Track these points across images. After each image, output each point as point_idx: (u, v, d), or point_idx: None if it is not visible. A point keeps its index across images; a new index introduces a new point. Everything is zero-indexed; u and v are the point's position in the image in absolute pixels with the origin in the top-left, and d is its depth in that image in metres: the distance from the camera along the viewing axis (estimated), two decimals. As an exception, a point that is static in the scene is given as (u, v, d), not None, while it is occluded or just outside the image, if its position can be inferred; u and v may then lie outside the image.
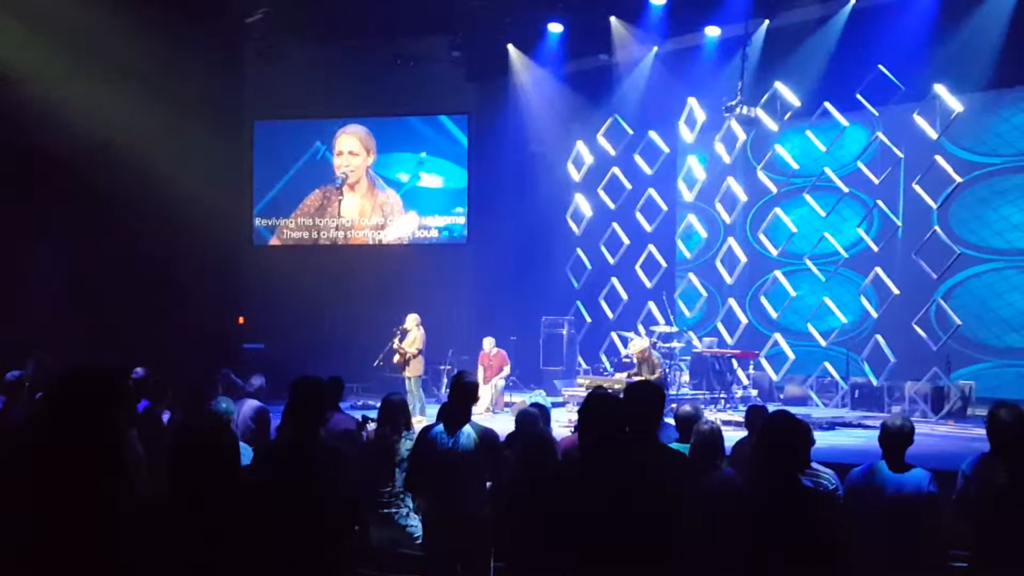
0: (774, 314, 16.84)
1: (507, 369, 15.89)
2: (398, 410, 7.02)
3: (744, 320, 17.30)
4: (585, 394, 5.16)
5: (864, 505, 5.29)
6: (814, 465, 5.88)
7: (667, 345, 15.25)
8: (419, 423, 8.50)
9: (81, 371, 3.52)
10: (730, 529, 3.92)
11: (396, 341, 14.27)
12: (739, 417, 11.28)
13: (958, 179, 14.73)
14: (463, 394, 5.95)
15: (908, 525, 5.21)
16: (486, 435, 5.82)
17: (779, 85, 16.03)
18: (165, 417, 7.95)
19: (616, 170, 18.40)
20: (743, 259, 17.40)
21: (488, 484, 5.97)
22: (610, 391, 4.80)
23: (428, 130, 20.00)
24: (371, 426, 7.34)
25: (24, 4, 14.15)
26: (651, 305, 17.47)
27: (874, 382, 15.12)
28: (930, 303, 14.98)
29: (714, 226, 18.41)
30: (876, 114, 15.48)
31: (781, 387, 16.47)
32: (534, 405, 7.20)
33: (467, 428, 5.79)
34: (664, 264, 17.97)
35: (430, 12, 17.60)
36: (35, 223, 15.57)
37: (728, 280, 17.64)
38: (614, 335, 17.75)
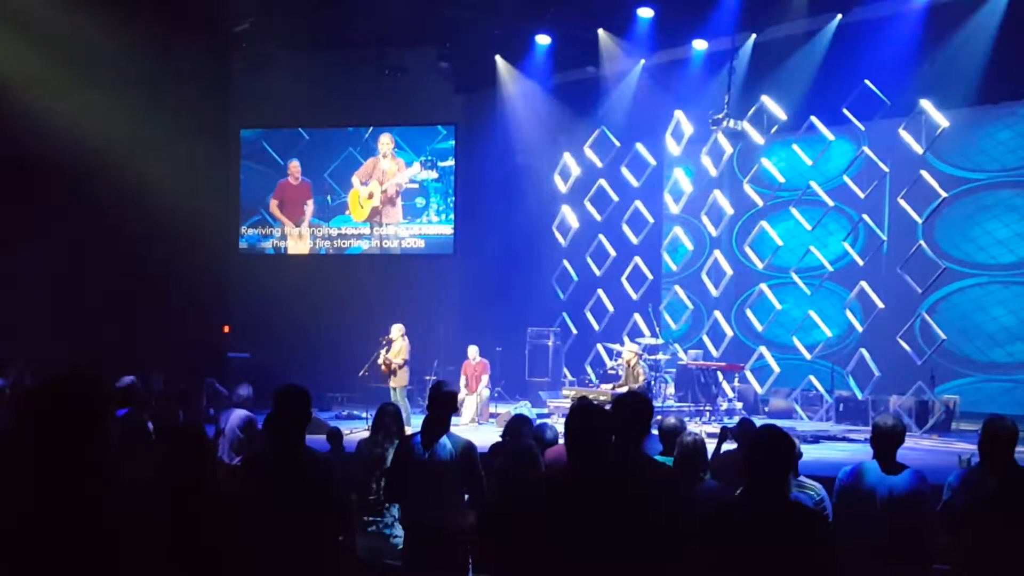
0: (759, 327, 16.86)
1: (485, 378, 15.83)
2: (392, 420, 7.01)
3: (729, 333, 17.33)
4: (570, 406, 5.15)
5: (857, 505, 5.29)
6: (802, 478, 5.89)
7: (653, 357, 15.28)
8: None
9: (63, 381, 3.50)
10: (713, 539, 3.92)
11: (382, 352, 14.20)
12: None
13: (943, 194, 14.79)
14: (442, 404, 5.92)
15: (902, 525, 5.22)
16: (464, 447, 5.78)
17: (766, 99, 16.10)
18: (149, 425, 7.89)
19: (603, 182, 18.42)
20: (729, 272, 17.43)
21: (466, 496, 5.94)
22: (595, 402, 4.79)
23: (417, 140, 19.92)
24: None
25: (16, 15, 14.13)
26: (637, 317, 17.49)
27: (859, 396, 15.15)
28: (915, 317, 15.03)
29: (700, 239, 18.45)
30: (862, 129, 15.55)
31: (766, 400, 16.49)
32: (519, 416, 7.20)
33: (444, 439, 5.77)
34: (650, 276, 17.98)
35: (418, 23, 17.60)
36: (22, 229, 15.52)
37: (714, 293, 17.66)
38: (600, 347, 17.74)
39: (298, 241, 20.13)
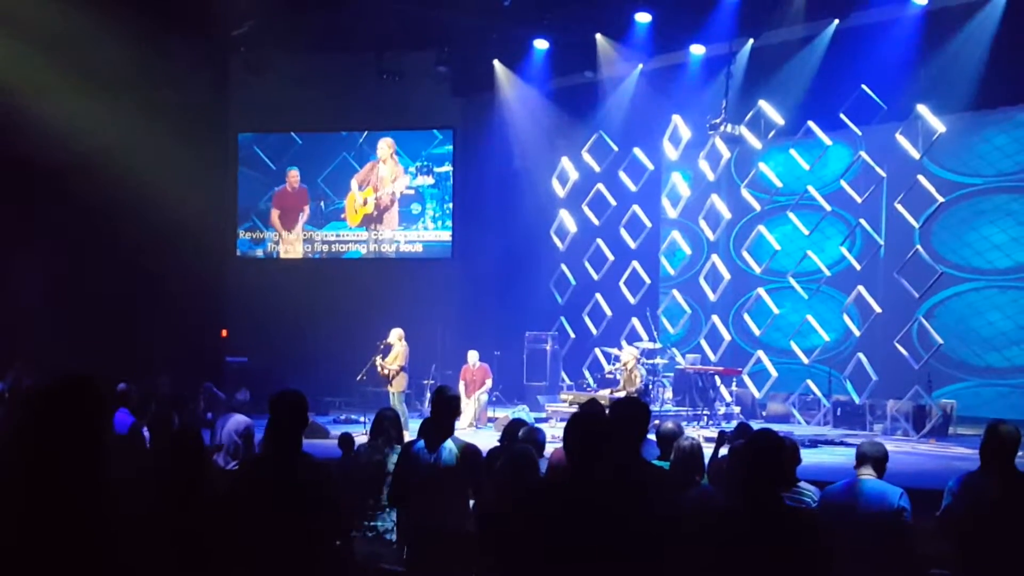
0: (757, 331, 16.87)
1: (489, 383, 15.88)
2: (391, 424, 7.01)
3: (727, 337, 17.34)
4: (568, 410, 5.16)
5: (838, 520, 5.29)
6: (800, 485, 5.89)
7: (650, 361, 15.28)
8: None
9: (61, 382, 3.51)
10: (709, 544, 3.93)
11: (379, 359, 14.14)
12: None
13: (940, 199, 14.81)
14: (445, 408, 5.91)
15: (881, 541, 5.21)
16: (468, 451, 5.77)
17: (763, 103, 16.12)
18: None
19: (601, 186, 18.43)
20: (726, 276, 17.44)
21: (471, 502, 5.94)
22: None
23: (413, 145, 19.88)
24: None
25: (13, 17, 14.13)
26: (635, 321, 17.49)
27: (856, 400, 15.16)
28: (912, 322, 15.05)
29: (698, 243, 18.47)
30: (859, 133, 15.56)
31: (764, 404, 16.50)
32: (517, 420, 7.20)
33: (449, 443, 5.75)
34: (648, 280, 18.00)
35: (417, 27, 17.60)
36: (18, 232, 15.51)
37: (711, 297, 17.69)
38: (598, 351, 17.74)
39: (291, 247, 20.09)
